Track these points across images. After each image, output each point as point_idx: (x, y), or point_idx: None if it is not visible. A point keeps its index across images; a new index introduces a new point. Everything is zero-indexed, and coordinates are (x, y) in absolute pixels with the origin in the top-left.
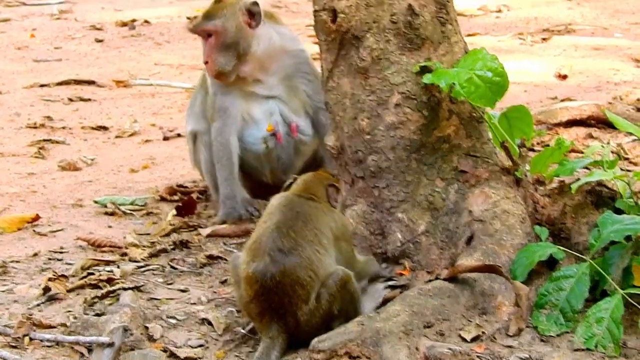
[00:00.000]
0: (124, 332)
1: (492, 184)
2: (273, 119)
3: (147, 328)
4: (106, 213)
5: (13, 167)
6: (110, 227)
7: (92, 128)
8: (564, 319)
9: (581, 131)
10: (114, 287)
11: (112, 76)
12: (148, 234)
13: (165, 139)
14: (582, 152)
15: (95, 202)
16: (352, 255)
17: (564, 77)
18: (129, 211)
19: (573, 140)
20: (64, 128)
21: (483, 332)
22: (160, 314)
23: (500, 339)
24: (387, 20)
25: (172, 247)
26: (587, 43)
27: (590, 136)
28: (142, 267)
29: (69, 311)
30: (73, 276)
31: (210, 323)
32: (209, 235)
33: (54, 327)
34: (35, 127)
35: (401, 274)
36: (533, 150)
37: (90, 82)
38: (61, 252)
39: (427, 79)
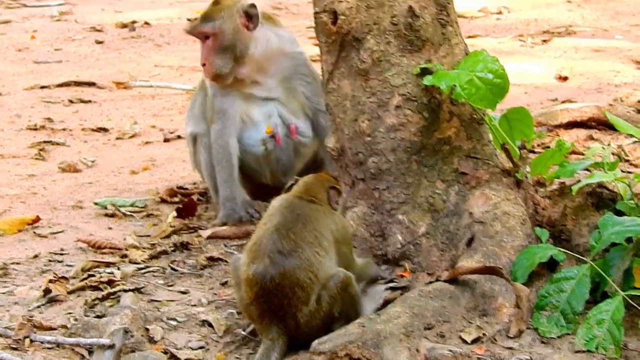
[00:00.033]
0: (125, 334)
1: (492, 185)
2: (272, 121)
3: (147, 330)
4: (106, 215)
5: (13, 169)
6: (110, 228)
7: (93, 130)
8: (564, 320)
9: (582, 133)
10: (114, 289)
11: (112, 78)
12: (148, 235)
13: (166, 140)
14: (582, 154)
15: (96, 203)
16: (351, 258)
17: (565, 78)
18: (129, 213)
19: (573, 142)
20: (64, 130)
21: (484, 334)
22: (160, 316)
23: (500, 340)
24: (387, 22)
25: (172, 248)
26: (588, 45)
27: (591, 138)
28: (142, 268)
29: (70, 313)
30: (73, 278)
31: (210, 325)
32: (209, 237)
33: (55, 329)
34: (36, 129)
35: (402, 276)
36: (533, 152)
37: (91, 84)
38: (61, 254)
39: (427, 80)
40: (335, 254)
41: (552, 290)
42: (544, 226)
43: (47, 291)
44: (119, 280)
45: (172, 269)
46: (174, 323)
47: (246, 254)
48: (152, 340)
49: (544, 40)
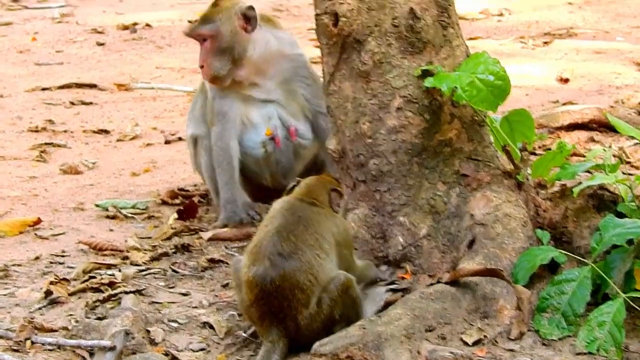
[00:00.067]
0: (126, 336)
1: (493, 187)
2: (272, 123)
3: (148, 332)
4: (107, 217)
5: (15, 171)
6: (111, 230)
7: (94, 131)
8: (565, 322)
9: (583, 135)
10: (115, 291)
11: (113, 80)
12: (149, 237)
13: (167, 142)
14: (583, 156)
15: (97, 205)
16: (352, 260)
17: (566, 80)
18: (130, 215)
19: (575, 144)
20: (65, 131)
21: (485, 336)
22: (161, 318)
23: (502, 342)
24: (388, 24)
25: (173, 250)
26: (589, 47)
27: (592, 140)
28: (143, 270)
29: (71, 315)
30: (75, 280)
31: (211, 327)
32: (210, 239)
33: (56, 330)
34: (37, 131)
35: (403, 278)
36: (534, 154)
37: (92, 86)
38: (63, 256)
39: (428, 82)
40: (336, 257)
41: (553, 292)
42: (545, 228)
43: (48, 293)
44: (120, 282)
45: (173, 270)
46: (175, 325)
47: (247, 256)
48: (153, 342)
49: (545, 42)
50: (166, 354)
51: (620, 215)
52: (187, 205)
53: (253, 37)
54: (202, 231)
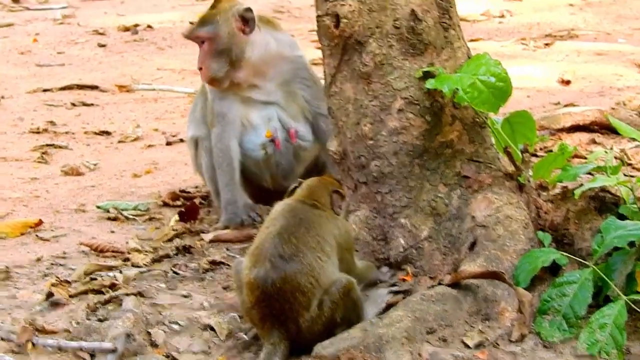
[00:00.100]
0: (127, 338)
1: (495, 189)
2: (271, 125)
3: (149, 334)
4: (109, 218)
5: (16, 172)
6: (112, 232)
7: (95, 133)
8: (567, 325)
9: (584, 137)
10: (116, 293)
11: (114, 81)
12: (151, 239)
13: (168, 144)
14: (585, 158)
15: (98, 207)
16: (352, 262)
17: (567, 82)
18: (131, 216)
19: (576, 145)
20: (66, 133)
21: (486, 338)
22: (162, 320)
23: (503, 345)
24: (390, 25)
25: (174, 252)
26: (590, 48)
27: (594, 142)
28: (144, 272)
29: (72, 317)
30: (76, 281)
31: (212, 329)
32: (211, 241)
33: (57, 332)
34: (38, 132)
35: (404, 280)
36: (536, 155)
37: (93, 87)
38: (64, 258)
39: (430, 84)
40: (337, 259)
41: (554, 294)
42: (546, 230)
43: (49, 295)
44: (121, 284)
45: (174, 272)
46: (176, 327)
47: (248, 258)
48: (154, 344)
49: (547, 44)
50: (167, 356)
51: (622, 217)
52: (189, 207)
53: (251, 39)
54: (203, 233)
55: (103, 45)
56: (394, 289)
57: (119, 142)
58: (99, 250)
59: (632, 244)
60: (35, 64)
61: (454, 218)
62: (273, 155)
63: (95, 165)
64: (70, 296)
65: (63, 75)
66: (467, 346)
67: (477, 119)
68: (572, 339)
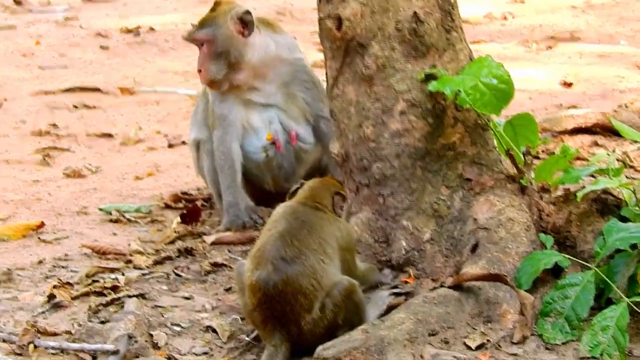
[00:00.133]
0: (129, 340)
1: (497, 191)
2: (272, 128)
3: (151, 335)
4: (111, 220)
5: (18, 175)
6: (114, 234)
7: (97, 135)
8: (569, 327)
9: (586, 139)
10: (118, 295)
11: (117, 83)
12: (153, 241)
13: (170, 146)
14: (587, 160)
15: (100, 209)
16: (353, 263)
17: (569, 84)
18: (133, 219)
19: (578, 148)
20: (69, 135)
21: (488, 340)
22: (164, 322)
23: (505, 347)
24: (392, 27)
25: (176, 254)
26: (593, 50)
27: (596, 144)
28: (146, 274)
29: (74, 319)
30: (78, 284)
31: (214, 330)
32: (213, 243)
33: (59, 334)
34: (40, 135)
35: (406, 282)
36: (538, 158)
37: (95, 90)
38: (66, 260)
39: (432, 86)
40: (339, 261)
41: (556, 296)
42: (548, 232)
43: (51, 297)
44: (123, 286)
45: (176, 274)
46: (178, 329)
47: (250, 260)
48: (156, 346)
49: (549, 46)
50: (169, 358)
51: (624, 219)
52: (191, 209)
53: (250, 41)
54: (205, 235)
55: (105, 48)
56: (396, 291)
57: (121, 144)
58: (101, 253)
59: (634, 246)
60: (37, 66)
61: (456, 220)
62: (274, 158)
63: (97, 167)
64: (72, 298)
65: (65, 78)
66: (469, 348)
67: (480, 121)
68: (574, 341)
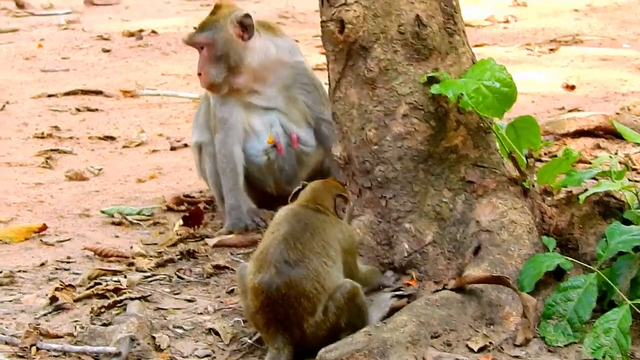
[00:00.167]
0: (131, 342)
1: (499, 194)
2: (273, 131)
3: (154, 338)
4: (113, 223)
5: (20, 177)
6: (117, 237)
7: (100, 138)
8: (571, 329)
9: (589, 142)
10: (120, 297)
11: (119, 86)
12: (155, 244)
13: (172, 149)
14: (589, 163)
15: (102, 212)
16: (355, 266)
17: (572, 87)
18: (136, 221)
19: (581, 150)
20: (71, 138)
21: (490, 343)
22: (167, 324)
23: (507, 349)
24: (394, 30)
25: (179, 257)
26: (595, 54)
27: (598, 147)
28: (149, 277)
29: (76, 321)
30: (80, 286)
31: (217, 333)
32: (215, 246)
33: (61, 337)
34: (43, 137)
35: (408, 284)
36: (540, 160)
37: (98, 92)
38: (68, 262)
39: (434, 89)
40: (342, 264)
41: (559, 299)
42: (551, 235)
43: (53, 299)
44: (125, 289)
45: (179, 277)
46: (180, 331)
47: (252, 263)
48: (158, 349)
49: (551, 49)
50: None
51: (626, 222)
52: (193, 212)
53: (250, 44)
54: (207, 237)
55: (107, 51)
56: (398, 293)
57: (124, 147)
58: (103, 255)
59: (636, 249)
60: (39, 69)
61: (459, 223)
62: (276, 161)
63: (99, 170)
64: (75, 300)
65: (67, 81)
66: (472, 350)
67: (482, 124)
68: (576, 344)
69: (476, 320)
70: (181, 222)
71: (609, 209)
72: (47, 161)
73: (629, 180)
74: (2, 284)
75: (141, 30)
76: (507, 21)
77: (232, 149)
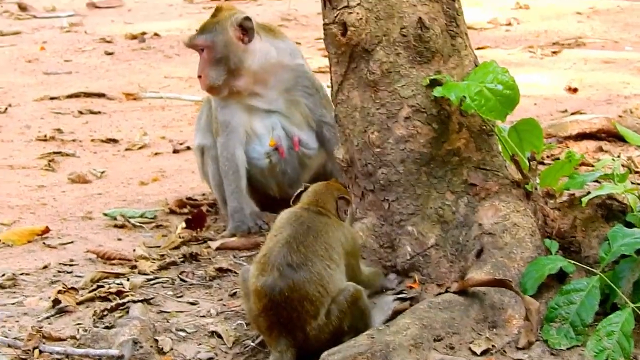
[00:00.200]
0: (134, 345)
1: (502, 197)
2: (275, 134)
3: (156, 341)
4: (116, 226)
5: (23, 180)
6: (119, 239)
7: (102, 141)
8: (574, 332)
9: (591, 144)
10: (123, 300)
11: (122, 89)
12: (158, 246)
13: (175, 151)
14: (592, 166)
15: (105, 214)
16: (358, 268)
17: (574, 90)
18: (138, 224)
19: (583, 153)
20: (74, 141)
21: (493, 346)
22: (169, 327)
23: (510, 352)
24: (397, 33)
25: (181, 259)
26: (597, 56)
27: (601, 149)
28: (151, 279)
29: (79, 324)
30: (83, 289)
31: (219, 336)
32: (218, 248)
33: (64, 339)
34: (45, 140)
35: (411, 287)
36: (543, 163)
37: (100, 95)
38: (71, 265)
39: (437, 92)
40: (345, 266)
41: (561, 302)
42: (553, 238)
43: (56, 302)
44: (128, 291)
45: (181, 279)
46: (183, 334)
47: (255, 266)
48: (161, 351)
49: (554, 52)
50: None
51: (629, 225)
52: (196, 215)
53: (251, 47)
54: (210, 240)
55: (110, 53)
56: (401, 296)
57: (126, 149)
58: (106, 258)
59: (639, 252)
60: (42, 72)
61: (461, 225)
62: (278, 164)
63: (102, 172)
64: (77, 303)
65: (70, 83)
66: (474, 353)
67: (484, 127)
68: (579, 347)
69: (479, 323)
70: (184, 224)
71: (612, 211)
72: (49, 164)
73: (632, 183)
74: (4, 287)
75: (144, 33)
76: (509, 24)
77: (234, 151)
